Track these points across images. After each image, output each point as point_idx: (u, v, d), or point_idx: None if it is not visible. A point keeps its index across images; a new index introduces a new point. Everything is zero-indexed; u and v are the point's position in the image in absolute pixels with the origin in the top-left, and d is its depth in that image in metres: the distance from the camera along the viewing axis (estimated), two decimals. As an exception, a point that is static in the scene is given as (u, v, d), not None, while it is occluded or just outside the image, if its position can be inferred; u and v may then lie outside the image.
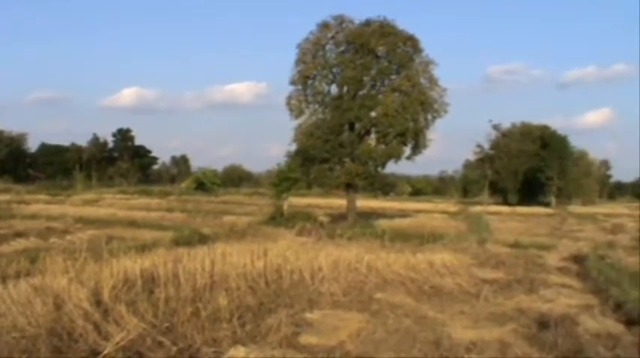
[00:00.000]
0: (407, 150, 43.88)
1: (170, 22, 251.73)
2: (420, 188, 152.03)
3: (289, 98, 44.19)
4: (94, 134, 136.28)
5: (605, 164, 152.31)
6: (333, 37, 44.25)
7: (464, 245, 28.38)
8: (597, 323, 13.82)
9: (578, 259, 25.08)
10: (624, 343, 12.23)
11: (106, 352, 10.09)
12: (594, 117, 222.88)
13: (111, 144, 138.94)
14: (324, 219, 44.67)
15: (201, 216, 46.31)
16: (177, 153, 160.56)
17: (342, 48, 44.24)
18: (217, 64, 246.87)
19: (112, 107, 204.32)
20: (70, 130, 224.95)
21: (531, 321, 13.99)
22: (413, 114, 42.31)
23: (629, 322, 13.73)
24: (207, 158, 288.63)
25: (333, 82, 44.11)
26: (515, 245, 29.95)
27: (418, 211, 64.83)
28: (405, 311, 14.65)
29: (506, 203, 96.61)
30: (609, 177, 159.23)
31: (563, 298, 16.79)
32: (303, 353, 10.99)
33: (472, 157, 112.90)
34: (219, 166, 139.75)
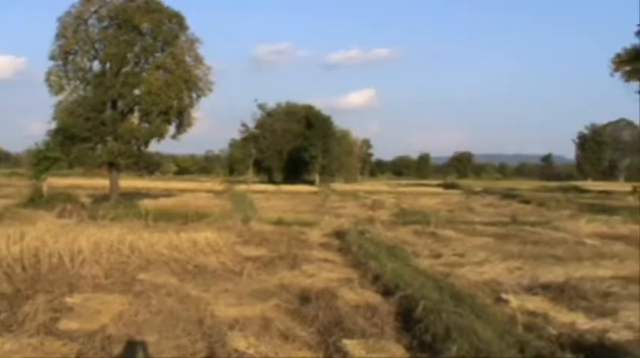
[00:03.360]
0: (171, 129, 43.34)
1: None
2: (186, 167, 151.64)
3: (49, 74, 42.05)
4: None
5: (367, 143, 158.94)
6: (96, 12, 42.59)
7: (228, 223, 28.43)
8: (356, 295, 14.28)
9: (339, 235, 25.79)
10: (381, 312, 12.70)
11: None
12: (357, 98, 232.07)
13: None
14: (86, 199, 43.20)
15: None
16: None
17: (105, 23, 42.70)
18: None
19: None
20: None
21: (293, 296, 14.23)
22: (177, 92, 41.77)
23: (386, 292, 14.29)
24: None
25: (95, 58, 42.51)
26: (279, 222, 30.40)
27: (183, 190, 64.44)
28: (168, 291, 14.43)
29: (271, 181, 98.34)
30: (371, 155, 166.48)
31: (325, 272, 17.18)
32: (63, 340, 10.53)
33: (238, 136, 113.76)
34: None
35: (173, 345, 10.45)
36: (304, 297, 14.00)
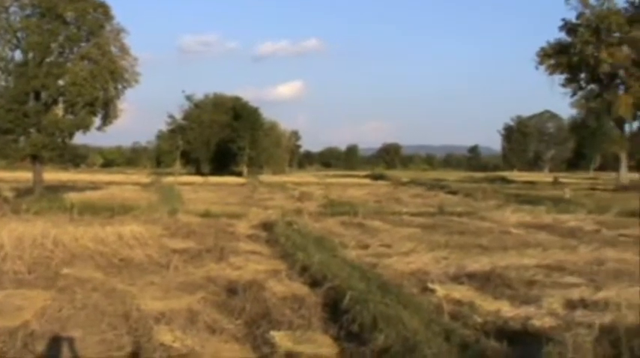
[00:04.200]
0: (97, 121, 42.70)
1: None
2: (113, 159, 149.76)
3: (-31, 64, 41.08)
4: None
5: (295, 134, 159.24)
6: (17, 0, 41.70)
7: (155, 216, 28.15)
8: (284, 286, 14.29)
9: (267, 226, 25.77)
10: (309, 304, 12.73)
11: None
12: (286, 89, 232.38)
13: None
14: (9, 193, 42.19)
15: None
16: None
17: (27, 11, 41.75)
18: None
19: None
20: None
21: (220, 289, 14.18)
22: (103, 83, 41.15)
23: (314, 284, 14.33)
24: None
25: (17, 47, 41.57)
26: (207, 214, 30.21)
27: (110, 183, 63.60)
28: (93, 286, 14.23)
29: (199, 173, 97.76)
30: (299, 147, 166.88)
31: (252, 264, 17.16)
32: (-17, 337, 10.29)
33: (165, 128, 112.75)
34: None
35: (98, 340, 10.30)
36: (231, 289, 13.96)
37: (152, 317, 11.49)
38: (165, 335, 10.39)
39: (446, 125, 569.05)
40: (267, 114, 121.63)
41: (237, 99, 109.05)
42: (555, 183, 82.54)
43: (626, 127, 71.41)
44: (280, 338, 10.36)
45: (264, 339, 10.43)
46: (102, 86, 41.25)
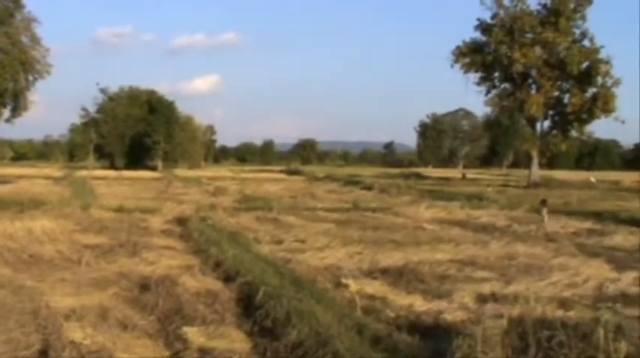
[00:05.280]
0: (5, 113, 41.71)
1: None
2: (24, 153, 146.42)
3: None
4: None
5: (211, 129, 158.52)
6: None
7: (67, 211, 27.59)
8: (197, 282, 14.20)
9: (181, 221, 25.62)
10: (222, 299, 12.68)
11: None
12: (202, 83, 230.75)
13: None
14: None
15: None
16: None
17: None
18: None
19: None
20: None
21: (133, 284, 14.00)
22: (13, 74, 40.27)
23: (227, 279, 14.30)
24: None
25: None
26: (120, 209, 29.82)
27: (20, 177, 62.02)
28: (1, 282, 13.88)
29: (113, 167, 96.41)
30: (214, 141, 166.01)
31: (166, 260, 17.01)
32: None
33: (78, 121, 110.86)
34: None
35: (5, 339, 10.03)
36: (144, 285, 13.81)
37: (62, 314, 11.27)
38: (75, 333, 10.20)
39: (362, 122, 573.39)
40: (183, 108, 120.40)
41: (152, 92, 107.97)
42: (463, 178, 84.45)
43: (538, 126, 73.20)
44: (193, 334, 10.30)
45: (176, 335, 10.36)
46: (12, 77, 40.37)
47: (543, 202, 27.19)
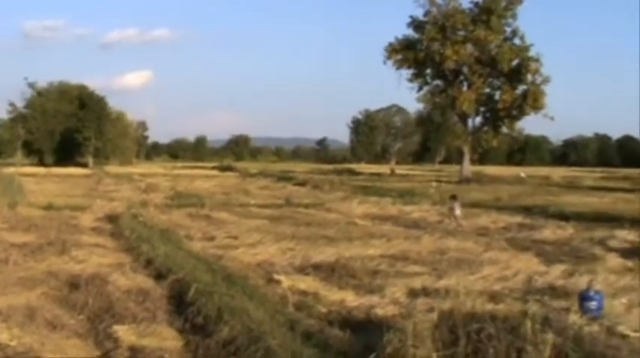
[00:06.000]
0: None
1: None
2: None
3: None
4: None
5: (143, 125, 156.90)
6: None
7: (-6, 209, 27.12)
8: (128, 280, 14.06)
9: (112, 219, 25.37)
10: (153, 297, 12.58)
11: None
12: (134, 79, 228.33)
13: None
14: None
15: None
16: None
17: None
18: None
19: None
20: None
21: (62, 283, 13.79)
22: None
23: (158, 276, 14.20)
24: None
25: None
26: (49, 207, 29.37)
27: (-56, 174, 60.54)
28: None
29: (42, 164, 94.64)
30: (146, 138, 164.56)
31: (96, 258, 16.81)
32: None
33: (6, 116, 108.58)
34: None
35: None
36: (74, 284, 13.61)
37: (-13, 316, 11.04)
38: (1, 334, 10.00)
39: (295, 117, 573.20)
40: (115, 103, 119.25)
41: (83, 87, 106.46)
42: (392, 174, 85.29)
43: (469, 122, 74.36)
44: (124, 333, 10.21)
45: (107, 334, 10.25)
46: None
47: (453, 197, 27.58)
